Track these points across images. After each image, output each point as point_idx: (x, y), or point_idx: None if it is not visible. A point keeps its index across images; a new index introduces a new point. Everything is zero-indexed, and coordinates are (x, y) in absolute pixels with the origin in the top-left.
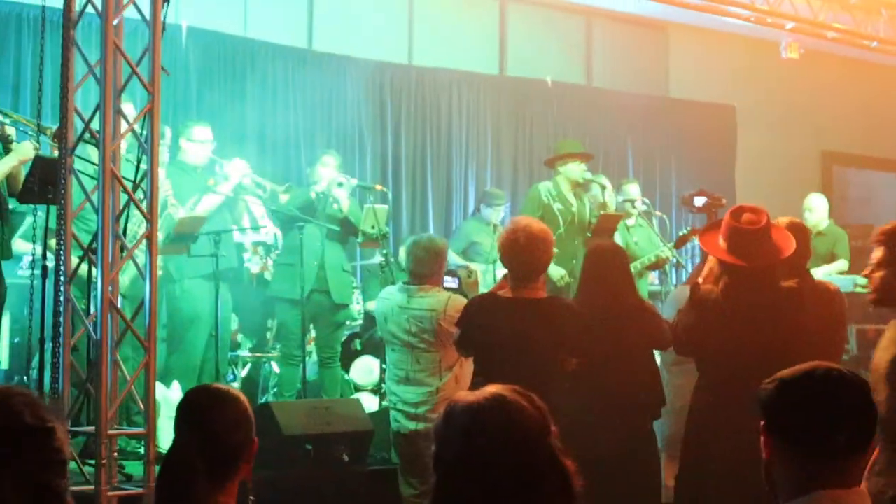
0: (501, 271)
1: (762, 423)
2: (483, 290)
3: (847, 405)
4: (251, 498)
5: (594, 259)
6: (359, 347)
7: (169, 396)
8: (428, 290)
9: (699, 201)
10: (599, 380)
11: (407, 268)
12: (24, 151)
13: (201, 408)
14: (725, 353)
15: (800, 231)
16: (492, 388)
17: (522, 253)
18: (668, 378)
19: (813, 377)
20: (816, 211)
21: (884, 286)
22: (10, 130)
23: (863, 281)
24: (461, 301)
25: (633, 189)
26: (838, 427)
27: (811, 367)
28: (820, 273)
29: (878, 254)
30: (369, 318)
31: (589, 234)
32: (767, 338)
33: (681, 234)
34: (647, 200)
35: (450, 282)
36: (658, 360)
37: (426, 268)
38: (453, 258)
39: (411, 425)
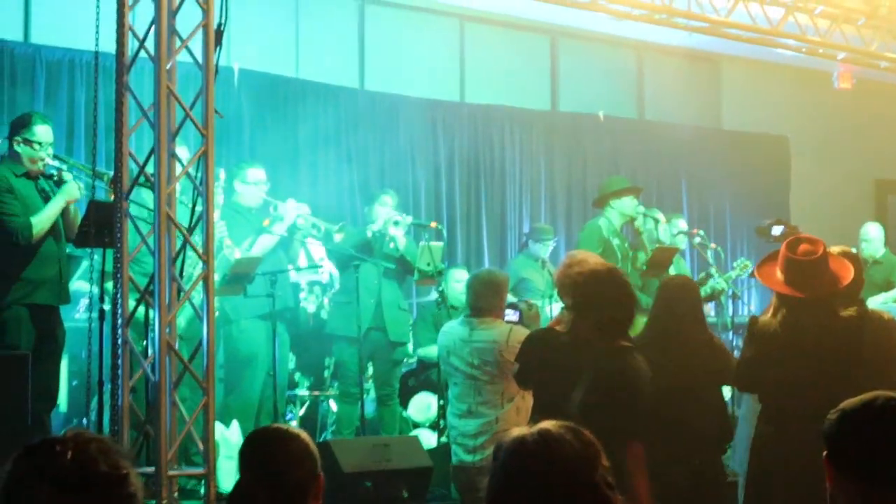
0: (554, 306)
1: (825, 454)
2: (543, 324)
3: None
4: None
5: (665, 293)
6: (415, 384)
7: (228, 436)
8: (490, 323)
9: (777, 230)
10: (666, 413)
11: (468, 302)
12: (69, 192)
13: (264, 447)
14: (785, 385)
15: (852, 260)
16: (541, 424)
17: (578, 288)
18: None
19: (874, 407)
20: (873, 240)
21: None
22: (67, 176)
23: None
24: (523, 332)
25: (681, 223)
26: None
27: (872, 397)
28: (878, 301)
29: None
30: (421, 361)
31: (645, 268)
32: (827, 368)
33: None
34: (702, 232)
35: (511, 315)
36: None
37: (487, 301)
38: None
39: (469, 458)
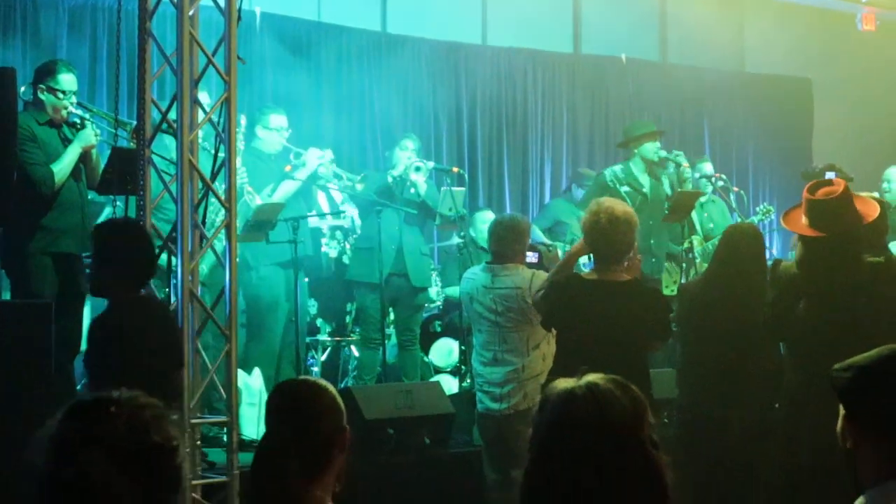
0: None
1: (843, 413)
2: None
3: None
4: (336, 485)
5: (726, 241)
6: (438, 329)
7: (250, 383)
8: (512, 269)
9: (831, 174)
10: (722, 362)
11: (489, 248)
12: (86, 138)
13: (293, 399)
14: (810, 330)
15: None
16: (589, 377)
17: (605, 234)
18: None
19: (891, 361)
20: (895, 183)
21: None
22: (88, 124)
23: None
24: (545, 276)
25: (707, 167)
26: None
27: (887, 351)
28: None
29: None
30: (449, 302)
31: (667, 212)
32: (852, 312)
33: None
34: (724, 176)
35: (530, 257)
36: None
37: (509, 247)
38: (536, 234)
39: (496, 406)
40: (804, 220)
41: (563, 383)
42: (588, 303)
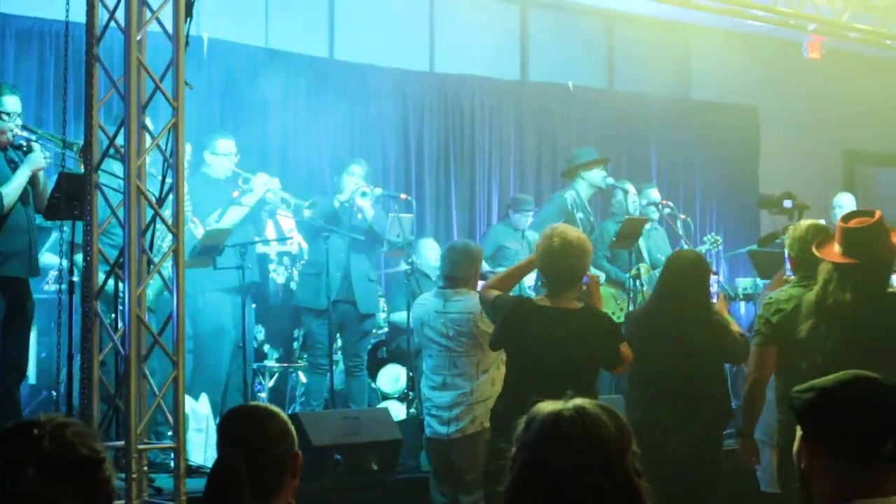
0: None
1: (800, 432)
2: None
3: (891, 412)
4: None
5: (670, 269)
6: (385, 356)
7: (197, 409)
8: (464, 294)
9: (788, 203)
10: (669, 389)
11: (442, 272)
12: (35, 161)
13: (244, 424)
14: (832, 355)
15: (823, 232)
16: (576, 401)
17: (558, 259)
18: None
19: (853, 385)
20: (846, 208)
21: None
22: (36, 147)
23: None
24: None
25: (654, 194)
26: (884, 436)
27: (851, 376)
28: None
29: None
30: (394, 327)
31: (614, 239)
32: (876, 338)
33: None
34: (671, 203)
35: (480, 285)
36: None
37: (462, 271)
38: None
39: (443, 430)
40: (837, 248)
41: (550, 405)
42: (539, 328)
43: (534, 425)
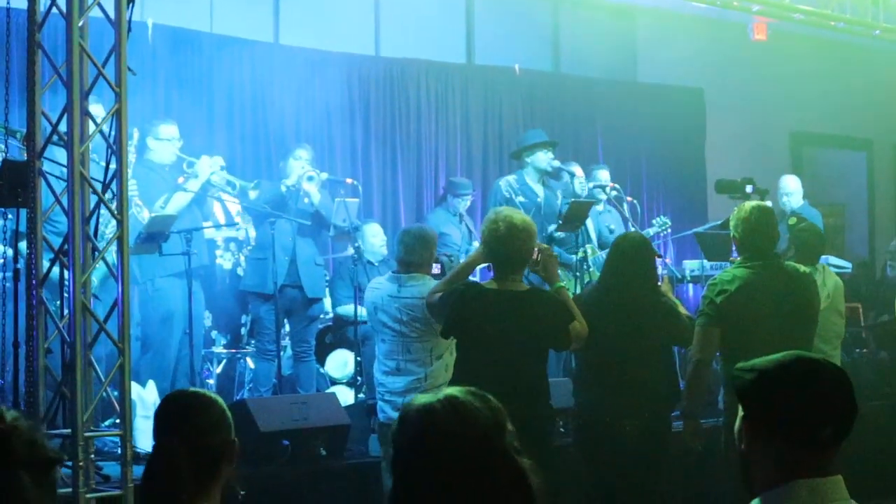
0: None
1: (741, 414)
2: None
3: (831, 396)
4: (241, 493)
5: (616, 252)
6: (332, 341)
7: (144, 396)
8: (419, 279)
9: (749, 188)
10: (617, 372)
11: (397, 257)
12: None
13: (180, 412)
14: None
15: (767, 214)
16: (446, 390)
17: (504, 243)
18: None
19: (795, 368)
20: (793, 193)
21: None
22: None
23: (836, 261)
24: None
25: (603, 175)
26: (825, 420)
27: (793, 357)
28: None
29: None
30: (338, 318)
31: (560, 222)
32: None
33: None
34: (617, 186)
35: (433, 268)
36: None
37: (417, 256)
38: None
39: (397, 415)
40: None
41: (422, 398)
42: (488, 312)
43: (407, 422)
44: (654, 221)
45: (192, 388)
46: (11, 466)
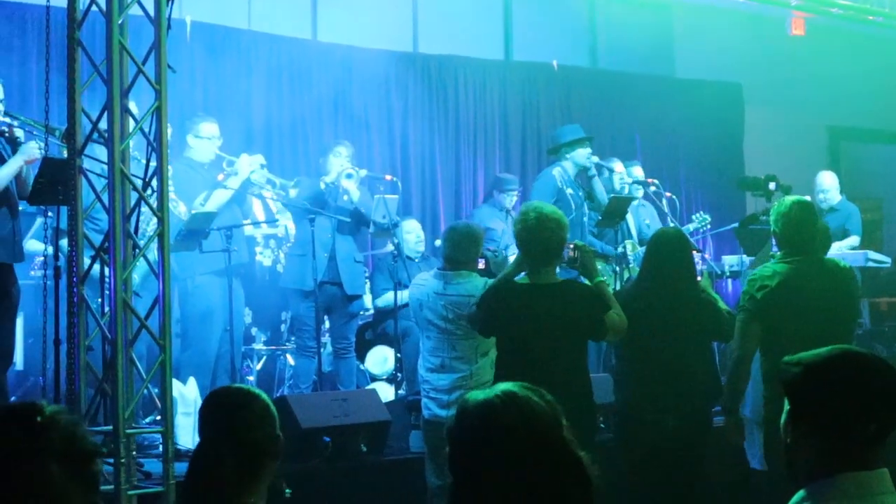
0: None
1: (787, 405)
2: None
3: (878, 392)
4: (287, 490)
5: (655, 247)
6: (372, 337)
7: (185, 393)
8: (465, 276)
9: (773, 185)
10: (658, 368)
11: (443, 254)
12: (28, 152)
13: (225, 408)
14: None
15: (807, 210)
16: (502, 386)
17: (534, 235)
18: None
19: (842, 363)
20: (829, 189)
21: None
22: (19, 132)
23: (875, 255)
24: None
25: (637, 171)
26: (870, 416)
27: (840, 353)
28: (833, 249)
29: None
30: (379, 312)
31: (600, 218)
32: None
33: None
34: (656, 182)
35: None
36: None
37: (463, 253)
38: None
39: (443, 412)
40: None
41: (479, 395)
42: (522, 306)
43: (467, 419)
44: (693, 217)
45: (235, 385)
46: (44, 459)
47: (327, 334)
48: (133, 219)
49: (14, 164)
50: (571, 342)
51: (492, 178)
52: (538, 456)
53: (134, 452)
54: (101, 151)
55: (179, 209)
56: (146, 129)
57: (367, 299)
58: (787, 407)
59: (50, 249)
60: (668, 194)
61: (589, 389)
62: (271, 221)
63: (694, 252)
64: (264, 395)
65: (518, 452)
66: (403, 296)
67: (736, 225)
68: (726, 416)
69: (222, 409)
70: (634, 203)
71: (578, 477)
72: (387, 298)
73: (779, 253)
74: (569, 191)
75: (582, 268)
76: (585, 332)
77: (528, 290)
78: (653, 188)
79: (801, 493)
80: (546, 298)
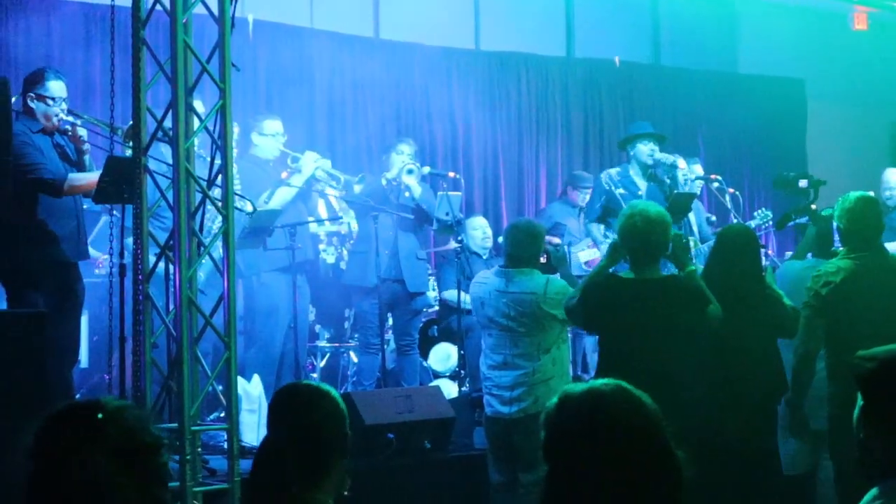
0: (583, 253)
1: (862, 403)
2: (573, 266)
3: None
4: (345, 493)
5: (722, 244)
6: (436, 334)
7: (249, 390)
8: (527, 273)
9: (804, 182)
10: (723, 364)
11: (505, 251)
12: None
13: (291, 403)
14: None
15: (872, 205)
16: (605, 379)
17: (641, 236)
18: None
19: None
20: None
21: None
22: (83, 132)
23: None
24: (561, 283)
25: (697, 168)
26: None
27: None
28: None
29: None
30: (445, 306)
31: None
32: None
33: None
34: (720, 178)
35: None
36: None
37: (525, 250)
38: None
39: (505, 409)
40: None
41: (583, 385)
42: (628, 301)
43: (570, 408)
44: (755, 214)
45: (306, 381)
46: (97, 452)
47: (390, 331)
48: (198, 216)
49: (95, 177)
50: (676, 336)
51: (567, 175)
52: (640, 449)
53: (199, 449)
54: (165, 149)
55: (246, 207)
56: (210, 128)
57: (432, 295)
58: (860, 402)
59: (115, 247)
60: (731, 190)
61: (690, 381)
62: (335, 219)
63: (760, 248)
64: (335, 393)
65: (621, 443)
66: (467, 298)
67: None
68: (791, 410)
69: (288, 404)
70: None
71: (673, 475)
72: (452, 293)
73: (843, 249)
74: (619, 191)
75: (673, 257)
76: (690, 326)
77: (634, 285)
78: (716, 184)
79: (873, 492)
80: (651, 293)
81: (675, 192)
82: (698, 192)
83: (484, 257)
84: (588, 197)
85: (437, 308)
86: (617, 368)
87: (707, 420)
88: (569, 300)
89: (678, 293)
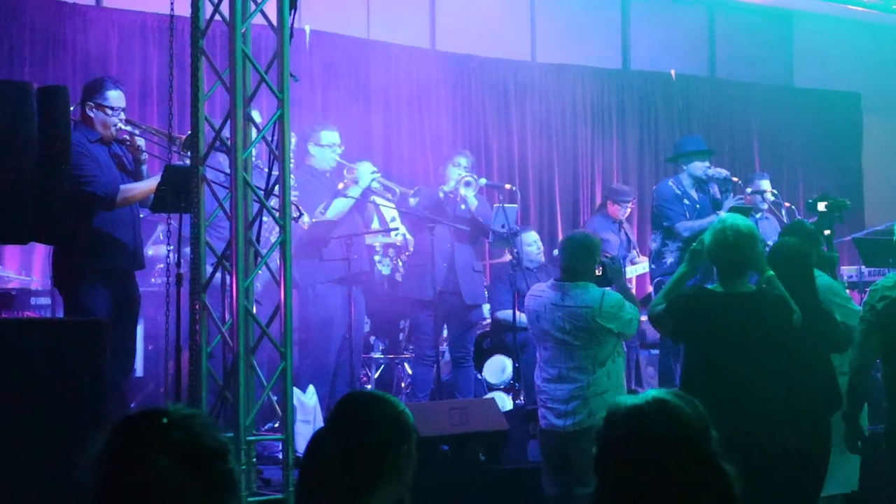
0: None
1: None
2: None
3: None
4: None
5: (774, 257)
6: (490, 346)
7: (304, 401)
8: (582, 287)
9: (822, 206)
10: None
11: (561, 264)
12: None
13: (345, 407)
14: None
15: None
16: (653, 392)
17: (732, 250)
18: None
19: None
20: None
21: None
22: (140, 141)
23: None
24: (616, 297)
25: (764, 184)
26: None
27: None
28: None
29: None
30: (497, 322)
31: None
32: None
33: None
34: (776, 192)
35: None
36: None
37: (580, 263)
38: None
39: (560, 422)
40: None
41: (629, 400)
42: (719, 314)
43: (615, 424)
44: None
45: (365, 390)
46: (159, 456)
47: (445, 343)
48: (255, 227)
49: (149, 185)
50: (767, 348)
51: (606, 189)
52: (684, 465)
53: (254, 459)
54: (222, 158)
55: (303, 218)
56: (268, 138)
57: (486, 308)
58: None
59: (172, 257)
60: (787, 204)
61: (784, 396)
62: (389, 230)
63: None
64: (393, 402)
65: (664, 460)
66: (522, 316)
67: (858, 235)
68: (847, 423)
69: (343, 407)
70: (758, 215)
71: (723, 491)
72: (506, 313)
73: None
74: (685, 201)
75: (749, 262)
76: (779, 338)
77: (724, 298)
78: (772, 198)
79: None
80: (741, 307)
81: (732, 206)
82: (760, 209)
83: (533, 270)
84: (628, 211)
85: (489, 321)
86: (703, 382)
87: (762, 433)
88: (653, 307)
89: (767, 307)
